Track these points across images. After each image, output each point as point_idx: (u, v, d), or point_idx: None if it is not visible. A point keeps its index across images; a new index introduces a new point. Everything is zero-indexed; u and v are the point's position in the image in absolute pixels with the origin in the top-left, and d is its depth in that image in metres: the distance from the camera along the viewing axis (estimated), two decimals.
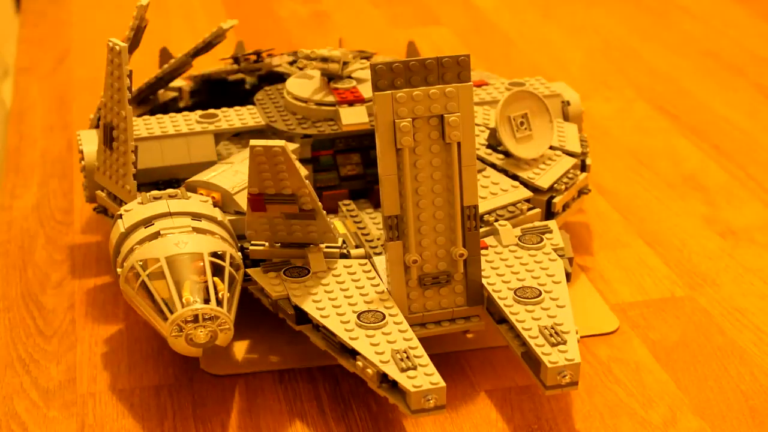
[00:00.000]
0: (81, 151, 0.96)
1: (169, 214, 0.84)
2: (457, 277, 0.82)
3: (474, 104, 1.02)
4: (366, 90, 0.98)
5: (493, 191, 0.91)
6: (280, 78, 1.09)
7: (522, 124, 0.94)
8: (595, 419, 0.81)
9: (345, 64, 0.99)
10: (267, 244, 0.85)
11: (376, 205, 0.96)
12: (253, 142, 0.78)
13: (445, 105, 0.79)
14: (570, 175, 0.95)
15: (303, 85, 1.00)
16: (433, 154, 0.80)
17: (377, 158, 0.79)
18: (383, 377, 0.75)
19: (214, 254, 0.79)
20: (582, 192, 0.98)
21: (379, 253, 0.86)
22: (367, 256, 0.86)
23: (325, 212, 0.82)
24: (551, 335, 0.77)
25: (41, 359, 0.87)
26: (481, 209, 0.89)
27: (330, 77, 0.99)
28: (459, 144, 0.79)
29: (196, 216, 0.84)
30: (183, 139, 0.96)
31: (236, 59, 1.11)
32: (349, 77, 1.00)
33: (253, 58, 1.10)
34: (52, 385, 0.85)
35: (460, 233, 0.81)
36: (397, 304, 0.80)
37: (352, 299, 0.81)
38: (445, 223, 0.81)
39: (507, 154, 0.95)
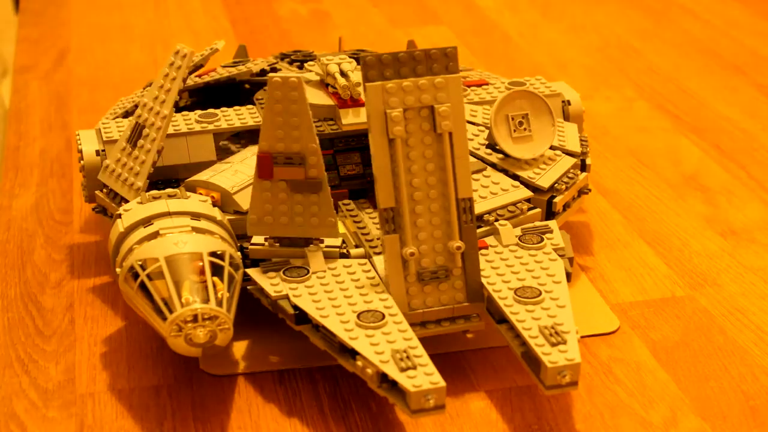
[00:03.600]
0: (80, 151, 0.95)
1: (168, 214, 0.83)
2: (455, 273, 0.82)
3: (474, 104, 1.03)
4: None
5: (494, 191, 0.91)
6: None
7: (521, 124, 0.94)
8: (595, 419, 0.80)
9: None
10: (266, 243, 0.85)
11: (376, 204, 0.96)
12: (271, 74, 0.79)
13: (435, 96, 0.79)
14: (570, 175, 0.95)
15: None
16: (425, 146, 0.80)
17: (370, 151, 0.79)
18: (383, 377, 0.75)
19: (214, 254, 0.79)
20: (582, 192, 0.98)
21: (379, 253, 0.86)
22: (367, 256, 0.86)
23: (330, 188, 0.83)
24: (551, 335, 0.77)
25: (40, 359, 0.87)
26: (482, 209, 0.89)
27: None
28: (450, 135, 0.79)
29: (196, 215, 0.84)
30: (182, 139, 0.95)
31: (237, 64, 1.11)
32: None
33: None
34: (51, 386, 0.84)
35: (456, 226, 0.81)
36: (396, 300, 0.80)
37: (352, 299, 0.80)
38: (440, 216, 0.81)
39: (507, 155, 0.95)
